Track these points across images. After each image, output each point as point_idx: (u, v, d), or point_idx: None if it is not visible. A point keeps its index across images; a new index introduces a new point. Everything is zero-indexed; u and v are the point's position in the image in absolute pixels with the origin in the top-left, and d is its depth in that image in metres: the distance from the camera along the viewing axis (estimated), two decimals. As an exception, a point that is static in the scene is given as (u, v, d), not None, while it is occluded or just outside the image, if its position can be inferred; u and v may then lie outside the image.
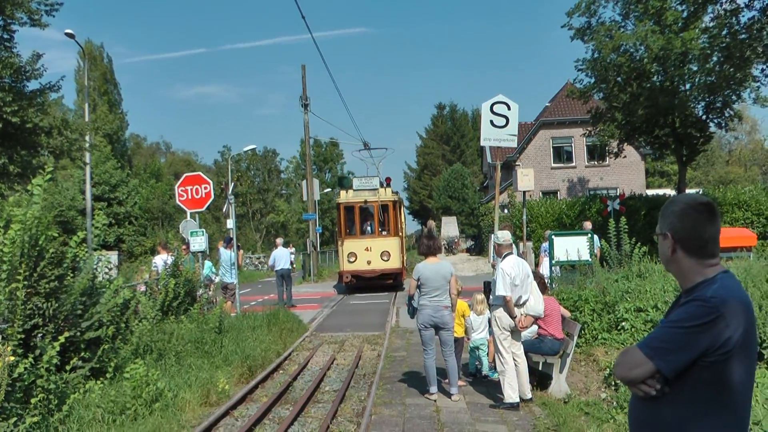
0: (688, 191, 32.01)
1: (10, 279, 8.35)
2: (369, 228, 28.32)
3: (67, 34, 30.31)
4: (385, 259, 27.18)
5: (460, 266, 37.00)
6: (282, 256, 23.99)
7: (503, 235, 9.67)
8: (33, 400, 7.43)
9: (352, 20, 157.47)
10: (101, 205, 41.12)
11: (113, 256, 38.93)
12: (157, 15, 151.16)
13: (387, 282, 27.90)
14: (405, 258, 30.10)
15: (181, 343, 12.54)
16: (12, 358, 6.46)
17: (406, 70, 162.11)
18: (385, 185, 28.51)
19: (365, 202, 27.64)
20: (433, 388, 9.83)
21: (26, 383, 7.17)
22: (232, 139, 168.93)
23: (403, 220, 32.52)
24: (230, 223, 43.24)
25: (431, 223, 64.73)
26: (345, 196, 28.25)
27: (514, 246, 13.46)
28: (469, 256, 48.20)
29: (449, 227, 59.57)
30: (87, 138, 25.71)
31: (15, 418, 6.73)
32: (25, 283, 8.13)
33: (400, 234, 29.15)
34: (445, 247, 50.14)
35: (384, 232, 27.91)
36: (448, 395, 9.86)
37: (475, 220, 59.07)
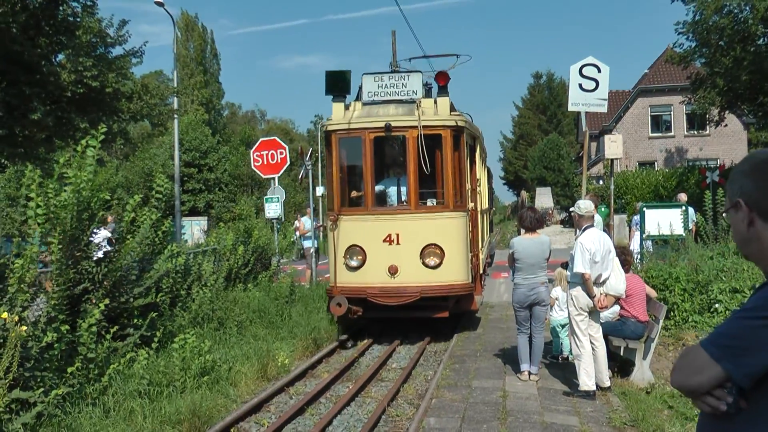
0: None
1: (62, 243, 8.05)
2: (395, 192, 13.02)
3: (156, 3, 30.51)
4: (432, 263, 11.80)
5: (553, 239, 35.30)
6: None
7: (585, 206, 8.67)
8: (70, 369, 7.08)
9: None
10: (191, 171, 41.71)
11: (203, 221, 39.69)
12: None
13: (436, 315, 12.27)
14: (483, 256, 15.40)
15: (245, 312, 12.17)
16: (24, 329, 6.05)
17: (502, 39, 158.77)
18: (434, 93, 12.47)
19: (387, 128, 11.89)
20: (525, 366, 9.20)
21: (56, 352, 6.80)
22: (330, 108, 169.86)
23: (482, 177, 16.12)
24: (319, 191, 43.06)
25: (524, 194, 63.26)
26: (343, 117, 12.37)
27: (599, 218, 12.47)
28: (562, 228, 46.59)
29: (543, 198, 58.02)
30: (174, 103, 26.07)
31: (41, 389, 6.34)
32: (61, 247, 7.77)
33: (472, 205, 13.28)
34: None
35: (429, 202, 12.40)
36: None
37: (570, 191, 57.33)
